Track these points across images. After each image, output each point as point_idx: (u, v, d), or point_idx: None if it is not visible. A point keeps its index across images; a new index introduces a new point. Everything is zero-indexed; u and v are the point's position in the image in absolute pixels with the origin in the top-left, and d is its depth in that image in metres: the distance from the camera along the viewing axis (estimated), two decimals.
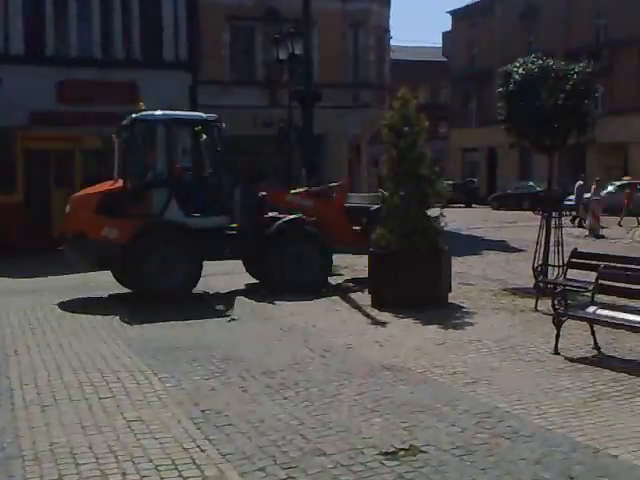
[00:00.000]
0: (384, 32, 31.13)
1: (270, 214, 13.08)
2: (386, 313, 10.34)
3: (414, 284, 10.58)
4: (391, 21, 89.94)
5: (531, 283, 11.80)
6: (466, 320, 10.05)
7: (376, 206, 12.80)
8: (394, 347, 8.54)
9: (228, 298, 12.15)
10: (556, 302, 8.27)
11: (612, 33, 38.19)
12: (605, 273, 8.27)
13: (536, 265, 11.63)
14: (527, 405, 6.47)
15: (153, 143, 12.86)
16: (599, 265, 9.03)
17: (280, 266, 12.40)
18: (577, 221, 27.28)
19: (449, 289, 11.36)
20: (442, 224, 11.19)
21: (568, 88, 11.67)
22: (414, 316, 10.01)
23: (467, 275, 14.04)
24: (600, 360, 7.86)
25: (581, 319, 8.27)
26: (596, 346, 8.23)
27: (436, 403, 6.53)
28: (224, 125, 12.67)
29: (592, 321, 8.09)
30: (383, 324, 9.83)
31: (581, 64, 12.08)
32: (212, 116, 12.78)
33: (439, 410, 6.36)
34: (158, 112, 12.72)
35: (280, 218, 12.91)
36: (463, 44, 49.17)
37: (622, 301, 9.21)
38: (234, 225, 12.41)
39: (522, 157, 39.68)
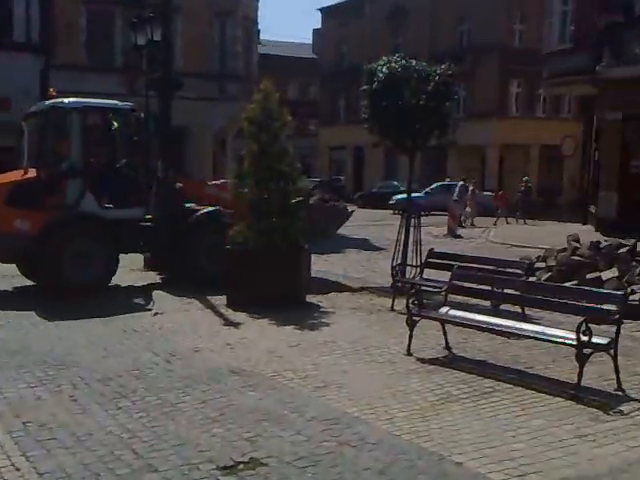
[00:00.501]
0: (253, 24, 30.69)
1: (187, 205, 12.74)
2: (241, 314, 9.95)
3: (271, 283, 10.24)
4: (261, 14, 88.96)
5: (390, 282, 11.77)
6: (323, 320, 9.83)
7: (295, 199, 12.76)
8: (245, 350, 8.17)
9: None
10: (410, 302, 8.17)
11: (474, 39, 39.61)
12: (458, 274, 8.28)
13: (394, 264, 11.62)
14: (376, 409, 6.29)
15: (68, 131, 12.02)
16: (454, 265, 9.12)
17: (195, 259, 12.10)
18: (463, 221, 27.93)
19: (308, 288, 11.12)
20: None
21: (430, 89, 11.74)
22: (270, 317, 9.68)
23: (328, 274, 13.89)
24: (451, 361, 7.83)
25: (433, 319, 8.23)
26: (447, 346, 8.22)
27: (283, 410, 6.23)
28: (142, 114, 12.31)
29: (444, 321, 8.07)
30: (236, 325, 9.42)
31: (443, 66, 12.18)
32: (128, 104, 12.42)
33: (286, 418, 6.06)
34: (72, 99, 12.22)
35: (198, 210, 12.56)
36: (333, 42, 49.43)
37: (475, 301, 9.40)
38: (149, 217, 12.09)
39: (387, 156, 40.42)
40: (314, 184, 16.96)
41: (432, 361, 7.77)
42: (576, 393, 6.51)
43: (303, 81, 56.12)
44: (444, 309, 8.10)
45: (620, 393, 6.65)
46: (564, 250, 13.03)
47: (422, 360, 7.80)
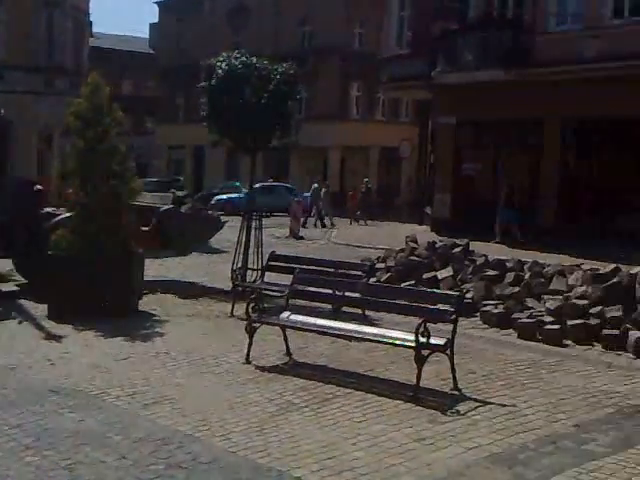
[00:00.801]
0: (84, 15, 29.05)
1: (47, 209, 11.96)
2: (65, 326, 9.09)
3: (98, 291, 9.48)
4: (93, 5, 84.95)
5: (230, 287, 11.34)
6: (156, 330, 9.24)
7: (166, 206, 12.29)
8: (67, 366, 7.46)
9: None
10: (250, 308, 7.80)
11: (316, 40, 39.97)
12: (299, 277, 8.02)
13: (235, 268, 11.22)
14: (211, 425, 5.88)
15: None
16: (296, 268, 8.88)
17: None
18: (320, 222, 27.90)
19: (140, 296, 10.48)
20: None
21: (271, 88, 11.48)
22: (97, 328, 8.94)
23: (164, 279, 13.23)
24: (291, 367, 7.56)
25: (274, 325, 7.91)
26: (288, 353, 7.93)
27: (108, 432, 5.67)
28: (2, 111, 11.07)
29: (284, 327, 7.77)
30: (58, 339, 8.59)
31: (284, 65, 11.95)
32: None
33: (110, 440, 5.51)
34: None
35: (58, 214, 11.59)
36: (171, 37, 47.80)
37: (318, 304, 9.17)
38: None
39: (229, 156, 39.82)
40: (185, 193, 16.19)
41: (272, 369, 7.45)
42: (415, 394, 6.42)
43: (139, 77, 54.13)
44: (285, 314, 7.81)
45: (457, 392, 6.64)
46: (402, 250, 13.20)
47: (262, 368, 7.46)
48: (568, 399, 6.43)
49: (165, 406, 6.31)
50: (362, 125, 39.84)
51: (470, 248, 13.06)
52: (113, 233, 9.87)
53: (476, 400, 6.40)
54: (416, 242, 13.61)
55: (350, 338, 7.26)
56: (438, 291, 8.37)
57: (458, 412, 6.10)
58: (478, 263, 12.13)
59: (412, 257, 12.74)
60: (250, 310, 7.77)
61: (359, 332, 7.10)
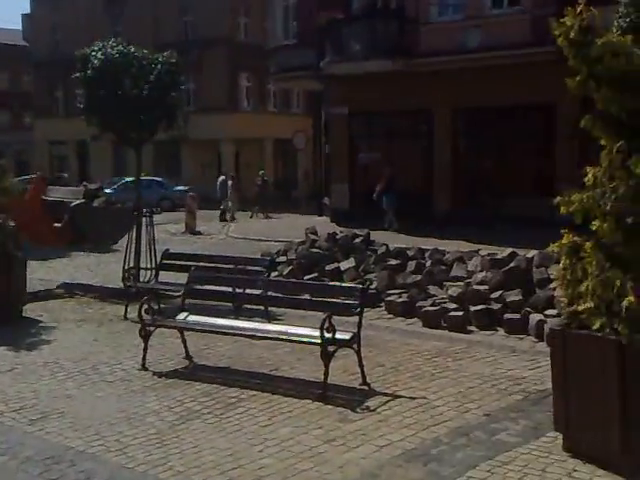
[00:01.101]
0: None
1: None
2: None
3: None
4: None
5: (122, 287, 10.75)
6: (43, 338, 8.62)
7: (77, 201, 11.73)
8: None
9: None
10: (144, 310, 7.32)
11: (200, 31, 39.02)
12: (196, 276, 7.61)
13: (127, 267, 10.64)
14: (106, 439, 5.43)
15: None
16: (192, 266, 8.46)
17: None
18: (226, 216, 27.16)
19: (24, 301, 9.76)
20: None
21: (153, 78, 10.98)
22: None
23: (52, 282, 12.43)
24: (192, 371, 7.15)
25: (171, 328, 7.48)
26: (188, 356, 7.52)
27: None
28: None
29: (182, 329, 7.35)
30: None
31: (165, 54, 11.45)
32: None
33: None
34: None
35: None
36: (46, 28, 45.46)
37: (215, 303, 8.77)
38: None
39: (115, 151, 38.42)
40: (98, 186, 15.25)
41: (171, 374, 7.03)
42: (323, 393, 6.16)
43: (14, 70, 51.38)
44: (182, 315, 7.39)
45: (366, 387, 6.44)
46: (303, 243, 12.95)
47: (159, 374, 7.02)
48: (476, 387, 6.34)
49: (55, 421, 5.81)
50: (254, 116, 39.34)
51: (371, 238, 12.95)
52: None
53: (386, 394, 6.21)
54: (316, 234, 13.40)
55: (253, 338, 6.91)
56: (341, 284, 8.16)
57: (368, 408, 5.88)
58: (379, 253, 12.05)
59: (313, 249, 12.51)
60: (143, 312, 7.30)
61: (262, 331, 6.77)
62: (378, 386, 6.45)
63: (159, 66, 10.94)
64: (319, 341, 6.12)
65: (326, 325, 6.08)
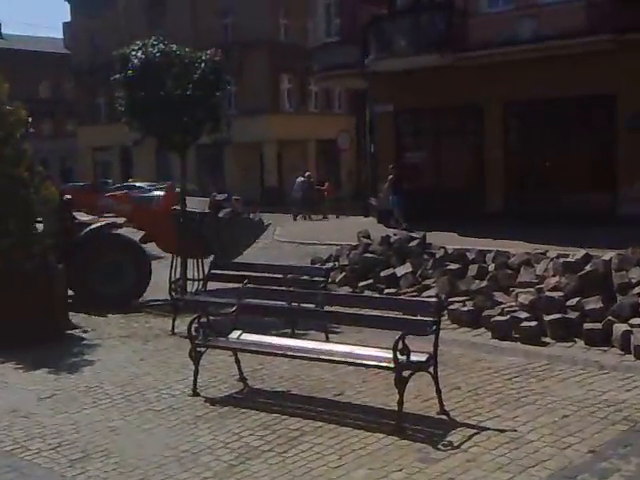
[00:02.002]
0: None
1: (81, 219, 11.74)
2: None
3: (15, 314, 8.21)
4: (1, 6, 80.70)
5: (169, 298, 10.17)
6: (86, 358, 8.05)
7: (202, 210, 11.83)
8: None
9: None
10: (193, 329, 6.69)
11: (240, 33, 38.58)
12: (248, 290, 6.96)
13: (173, 278, 10.08)
14: None
15: None
16: (244, 276, 7.85)
17: (86, 277, 10.91)
18: (299, 217, 26.74)
19: (66, 317, 9.24)
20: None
21: (197, 77, 10.37)
22: (14, 359, 7.71)
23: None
24: (247, 396, 6.49)
25: (223, 349, 6.84)
26: (242, 378, 6.87)
27: None
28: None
29: (237, 350, 6.69)
30: None
31: (209, 52, 10.84)
32: None
33: None
34: None
35: (89, 224, 11.57)
36: (85, 36, 45.46)
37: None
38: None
39: (158, 155, 38.14)
40: (224, 197, 14.98)
41: (224, 401, 6.37)
42: (398, 424, 5.43)
43: (56, 79, 51.70)
44: (235, 334, 6.73)
45: (445, 417, 5.68)
46: (356, 247, 12.25)
47: (212, 401, 6.37)
48: (572, 416, 5.54)
49: (96, 461, 5.18)
50: (296, 118, 38.75)
51: (427, 240, 12.20)
52: (26, 247, 8.61)
53: (469, 426, 5.44)
54: (369, 237, 12.68)
55: (316, 360, 6.20)
56: (413, 298, 7.41)
57: (452, 444, 5.12)
58: (437, 256, 11.30)
59: (366, 254, 11.81)
60: (193, 331, 6.67)
61: (326, 352, 6.03)
62: (458, 415, 5.69)
63: (203, 64, 10.33)
64: (392, 365, 5.39)
65: (400, 346, 5.35)
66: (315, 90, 39.51)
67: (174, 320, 9.13)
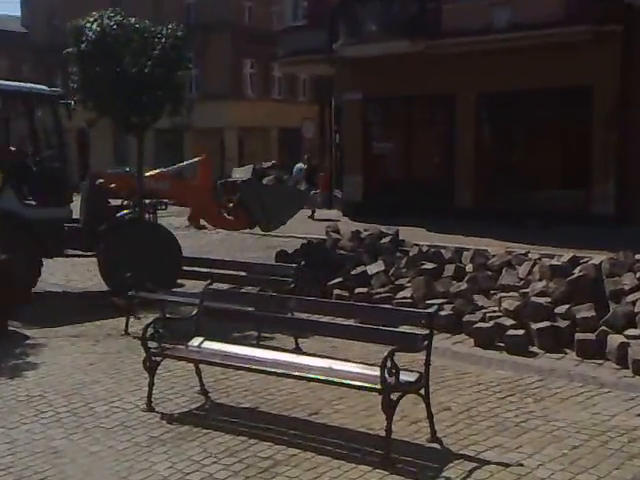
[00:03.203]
0: None
1: (115, 203, 11.03)
2: None
3: None
4: None
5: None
6: (29, 360, 7.22)
7: (245, 177, 11.44)
8: None
9: None
10: (149, 335, 5.88)
11: (204, 15, 37.36)
12: (210, 292, 6.17)
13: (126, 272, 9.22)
14: None
15: None
16: (204, 272, 7.09)
17: (120, 264, 9.85)
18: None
19: (11, 313, 8.34)
20: None
21: (156, 54, 9.53)
22: None
23: (44, 285, 10.96)
24: (209, 413, 5.73)
25: (182, 359, 6.05)
26: (203, 390, 6.10)
27: None
28: (73, 103, 9.99)
29: (198, 361, 5.91)
30: None
31: (170, 26, 9.98)
32: (57, 90, 10.73)
33: None
34: None
35: (123, 208, 10.92)
36: (43, 13, 43.91)
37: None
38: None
39: (117, 138, 36.78)
40: (269, 164, 14.18)
41: (183, 418, 5.59)
42: (386, 454, 4.71)
43: (14, 57, 49.75)
44: (196, 341, 5.95)
45: (437, 446, 4.99)
46: (324, 242, 11.52)
47: (169, 418, 5.59)
48: (582, 447, 4.89)
49: None
50: (258, 104, 37.75)
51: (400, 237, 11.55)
52: None
53: (467, 458, 4.75)
54: (338, 232, 11.96)
55: (290, 377, 5.45)
56: (402, 308, 6.70)
57: None
58: (411, 254, 10.63)
59: (336, 250, 11.09)
60: (148, 338, 5.86)
61: (300, 367, 5.26)
62: (452, 442, 5.00)
63: (163, 40, 9.48)
64: (379, 387, 4.67)
65: (388, 365, 4.64)
66: (279, 76, 38.58)
67: (127, 320, 8.32)
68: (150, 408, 5.76)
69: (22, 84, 11.26)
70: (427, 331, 5.06)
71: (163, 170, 13.18)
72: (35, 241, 9.90)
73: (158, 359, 5.86)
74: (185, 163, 14.01)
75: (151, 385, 5.82)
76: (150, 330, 5.83)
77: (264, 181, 12.12)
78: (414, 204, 18.52)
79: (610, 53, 17.03)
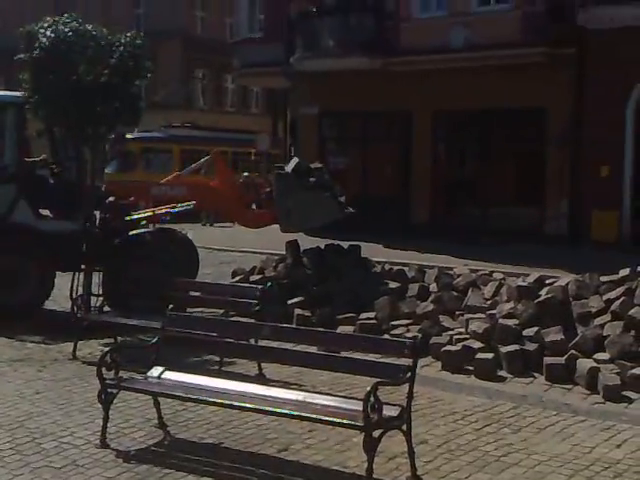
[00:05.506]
0: None
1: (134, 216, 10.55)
2: None
3: None
4: None
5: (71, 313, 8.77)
6: None
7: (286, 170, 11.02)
8: None
9: None
10: (105, 363, 5.45)
11: (154, 24, 36.76)
12: (173, 320, 5.77)
13: (76, 294, 8.72)
14: None
15: None
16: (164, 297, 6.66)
17: (132, 277, 9.63)
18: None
19: None
20: None
21: (114, 62, 9.16)
22: None
23: None
24: (168, 450, 5.32)
25: (140, 392, 5.62)
26: (161, 424, 5.68)
27: None
28: None
29: (159, 395, 5.49)
30: None
31: (129, 34, 9.61)
32: (20, 96, 9.66)
33: None
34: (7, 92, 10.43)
35: (141, 219, 10.56)
36: None
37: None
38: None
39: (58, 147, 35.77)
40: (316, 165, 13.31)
41: (141, 456, 5.16)
42: None
43: None
44: (155, 371, 5.53)
45: None
46: (283, 260, 11.15)
47: (126, 456, 5.15)
48: None
49: None
50: (210, 115, 37.27)
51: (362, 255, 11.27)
52: None
53: None
54: (298, 248, 11.60)
55: (260, 412, 5.09)
56: (381, 337, 6.37)
57: None
58: (374, 272, 10.37)
59: (296, 267, 10.74)
60: (104, 368, 5.42)
61: (272, 402, 4.91)
62: None
63: (121, 48, 9.09)
64: (361, 423, 4.35)
65: (371, 400, 4.32)
66: (231, 87, 38.21)
67: (76, 344, 7.84)
68: (104, 444, 5.31)
69: None
70: (410, 363, 4.74)
71: (179, 173, 13.10)
72: (50, 255, 9.54)
73: (114, 391, 5.42)
74: (200, 162, 13.45)
75: (106, 420, 5.37)
76: (107, 359, 5.40)
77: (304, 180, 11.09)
78: (370, 220, 18.32)
79: (564, 75, 17.22)
